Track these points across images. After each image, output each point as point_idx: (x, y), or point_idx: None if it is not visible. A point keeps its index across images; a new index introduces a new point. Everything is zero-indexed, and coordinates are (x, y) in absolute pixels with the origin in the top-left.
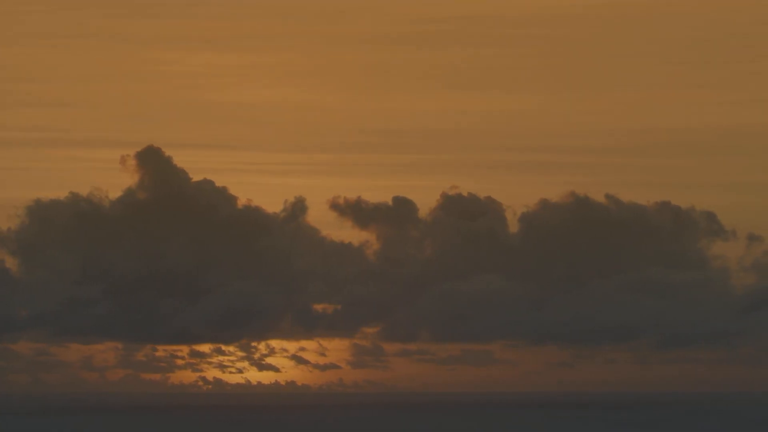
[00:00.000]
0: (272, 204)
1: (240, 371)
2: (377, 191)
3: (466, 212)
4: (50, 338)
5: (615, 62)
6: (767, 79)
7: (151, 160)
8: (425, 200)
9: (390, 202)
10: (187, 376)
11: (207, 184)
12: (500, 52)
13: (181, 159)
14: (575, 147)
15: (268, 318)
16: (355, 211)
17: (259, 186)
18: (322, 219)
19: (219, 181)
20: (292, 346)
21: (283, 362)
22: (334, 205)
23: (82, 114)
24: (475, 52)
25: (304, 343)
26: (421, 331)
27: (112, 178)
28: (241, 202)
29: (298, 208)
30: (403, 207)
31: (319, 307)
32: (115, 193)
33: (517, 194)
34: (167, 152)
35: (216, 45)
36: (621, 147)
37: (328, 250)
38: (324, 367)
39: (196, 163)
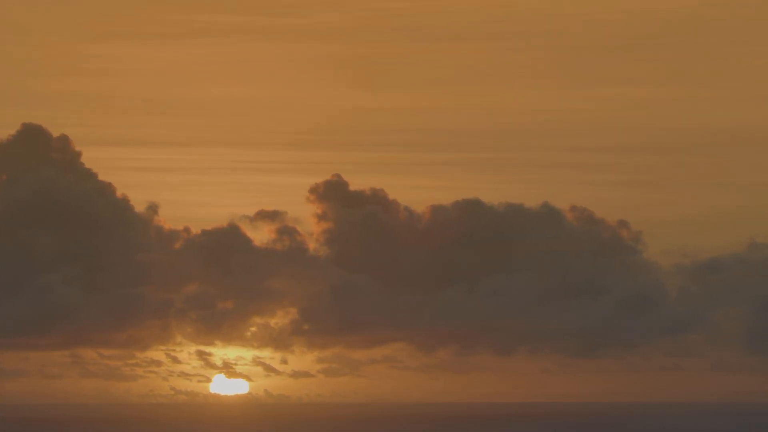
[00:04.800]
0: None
1: (207, 379)
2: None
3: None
4: None
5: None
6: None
7: None
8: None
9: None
10: (153, 385)
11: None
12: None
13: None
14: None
15: (77, 319)
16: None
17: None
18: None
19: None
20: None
21: (248, 369)
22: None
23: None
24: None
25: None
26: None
27: None
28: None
29: (153, 206)
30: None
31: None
32: None
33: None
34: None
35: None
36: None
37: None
38: (297, 375)
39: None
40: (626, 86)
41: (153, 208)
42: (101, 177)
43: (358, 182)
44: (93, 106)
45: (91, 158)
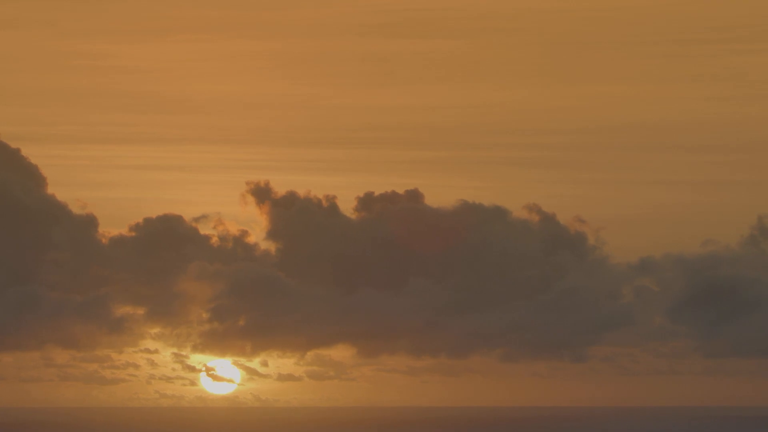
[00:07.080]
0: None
1: (191, 382)
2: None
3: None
4: None
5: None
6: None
7: None
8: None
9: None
10: (136, 389)
11: None
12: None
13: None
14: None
15: None
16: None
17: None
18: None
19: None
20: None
21: (230, 373)
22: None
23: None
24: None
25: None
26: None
27: None
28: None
29: (82, 204)
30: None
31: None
32: None
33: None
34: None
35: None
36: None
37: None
38: (282, 378)
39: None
40: (587, 84)
41: (82, 206)
42: (35, 174)
43: (295, 181)
44: (34, 103)
45: (29, 155)
